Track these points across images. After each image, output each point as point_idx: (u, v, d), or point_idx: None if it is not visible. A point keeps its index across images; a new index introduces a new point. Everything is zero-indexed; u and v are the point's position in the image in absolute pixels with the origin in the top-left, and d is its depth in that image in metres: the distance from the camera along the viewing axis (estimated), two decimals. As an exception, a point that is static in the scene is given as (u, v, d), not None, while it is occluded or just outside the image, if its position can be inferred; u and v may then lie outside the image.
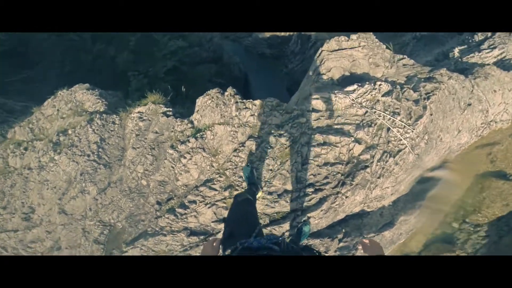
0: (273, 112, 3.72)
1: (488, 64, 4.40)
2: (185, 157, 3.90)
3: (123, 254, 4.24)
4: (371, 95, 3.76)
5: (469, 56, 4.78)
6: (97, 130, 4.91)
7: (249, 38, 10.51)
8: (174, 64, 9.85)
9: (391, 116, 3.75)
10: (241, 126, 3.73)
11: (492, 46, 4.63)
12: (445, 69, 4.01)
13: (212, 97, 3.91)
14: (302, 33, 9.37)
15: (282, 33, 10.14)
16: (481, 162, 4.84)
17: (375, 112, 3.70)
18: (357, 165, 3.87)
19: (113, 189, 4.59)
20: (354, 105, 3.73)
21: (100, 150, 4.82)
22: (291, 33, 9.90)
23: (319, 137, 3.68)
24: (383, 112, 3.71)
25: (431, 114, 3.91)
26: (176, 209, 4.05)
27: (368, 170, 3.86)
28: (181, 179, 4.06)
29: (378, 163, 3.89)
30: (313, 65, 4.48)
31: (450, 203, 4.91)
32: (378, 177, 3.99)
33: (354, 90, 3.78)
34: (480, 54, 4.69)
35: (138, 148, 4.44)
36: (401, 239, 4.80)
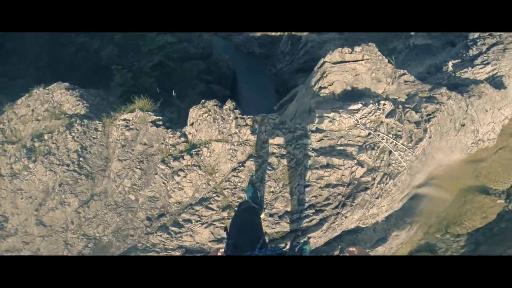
0: (276, 131, 3.35)
1: (482, 82, 4.27)
2: (178, 175, 3.47)
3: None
4: (375, 116, 3.50)
5: (462, 71, 4.63)
6: (77, 137, 4.30)
7: (240, 36, 9.94)
8: (160, 59, 9.12)
9: (394, 139, 3.52)
10: (241, 144, 3.34)
11: (486, 62, 4.50)
12: (445, 88, 3.83)
13: (209, 110, 3.47)
14: (293, 33, 8.96)
15: (273, 33, 9.66)
16: (466, 177, 4.87)
17: (378, 135, 3.44)
18: (358, 186, 3.66)
19: (97, 202, 4.07)
20: (358, 126, 3.45)
21: (81, 159, 4.24)
22: (282, 33, 9.45)
23: (322, 160, 3.38)
24: (386, 135, 3.47)
25: (430, 137, 3.74)
26: (170, 227, 3.64)
27: (368, 191, 3.66)
28: (174, 196, 3.64)
29: (378, 185, 3.70)
30: (314, 76, 4.13)
31: (435, 216, 4.94)
32: (377, 198, 3.81)
33: (359, 110, 3.50)
34: (473, 69, 4.56)
35: (124, 160, 3.92)
36: (391, 252, 4.72)
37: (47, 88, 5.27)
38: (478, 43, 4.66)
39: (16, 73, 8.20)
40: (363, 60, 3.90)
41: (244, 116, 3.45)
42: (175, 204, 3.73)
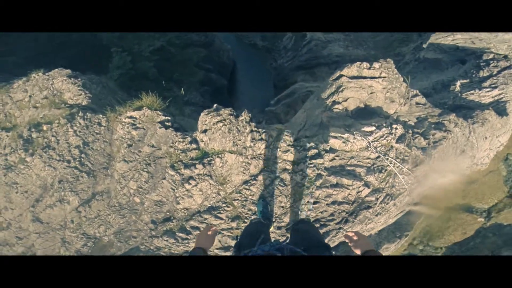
0: (290, 148, 3.18)
1: (487, 108, 4.22)
2: (189, 183, 3.27)
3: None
4: (387, 141, 3.41)
5: (468, 93, 4.55)
6: (79, 131, 3.95)
7: (243, 26, 9.41)
8: (162, 44, 8.52)
9: (401, 164, 3.46)
10: (254, 158, 3.17)
11: (494, 85, 4.42)
12: (454, 115, 3.76)
13: (225, 120, 3.23)
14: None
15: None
16: (454, 196, 4.97)
17: (387, 159, 3.37)
18: (361, 204, 3.64)
19: (99, 202, 3.82)
20: (370, 148, 3.34)
21: (82, 156, 3.92)
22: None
23: (332, 179, 3.29)
24: (395, 160, 3.40)
25: (433, 163, 3.72)
26: (176, 233, 3.49)
27: (370, 210, 3.66)
28: (182, 203, 3.45)
29: (380, 204, 3.69)
30: (328, 88, 3.93)
31: (419, 230, 5.10)
32: (377, 215, 3.81)
33: (372, 132, 3.36)
34: (480, 92, 4.49)
35: (131, 161, 3.65)
36: (379, 261, 4.84)
37: (47, 74, 4.76)
38: (491, 65, 4.55)
39: (13, 48, 7.42)
40: (380, 77, 3.72)
41: (260, 129, 3.23)
42: (183, 210, 3.55)
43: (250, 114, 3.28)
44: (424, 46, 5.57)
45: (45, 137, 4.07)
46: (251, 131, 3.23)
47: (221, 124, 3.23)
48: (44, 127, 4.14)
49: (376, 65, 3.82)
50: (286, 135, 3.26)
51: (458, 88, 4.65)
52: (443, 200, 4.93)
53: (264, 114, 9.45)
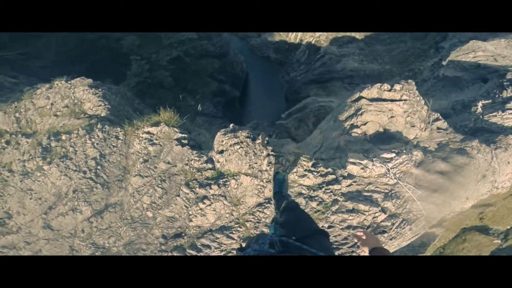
0: (307, 173, 3.03)
1: (510, 132, 3.97)
2: (204, 203, 3.15)
3: None
4: (406, 167, 3.22)
5: (491, 115, 4.31)
6: (97, 144, 3.90)
7: (258, 39, 9.37)
8: (178, 54, 8.53)
9: (420, 190, 3.27)
10: (270, 181, 3.04)
11: None
12: (477, 141, 3.54)
13: (242, 142, 3.11)
14: (312, 43, 8.41)
15: (291, 40, 9.10)
16: (471, 218, 4.71)
17: (406, 185, 3.19)
18: (376, 229, 3.45)
19: (112, 214, 3.74)
20: (388, 175, 3.17)
21: (98, 167, 3.86)
22: (300, 41, 8.88)
23: (349, 205, 3.13)
24: (414, 186, 3.21)
25: (453, 189, 3.51)
26: (187, 249, 3.37)
27: (385, 234, 3.47)
28: (195, 221, 3.34)
29: (396, 229, 3.48)
30: (347, 110, 3.78)
31: (433, 251, 4.86)
32: (391, 239, 3.61)
33: (391, 159, 3.19)
34: (503, 114, 4.24)
35: (146, 177, 3.57)
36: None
37: (69, 82, 4.77)
38: None
39: (40, 54, 7.58)
40: (401, 100, 3.55)
41: (276, 152, 3.10)
42: (195, 228, 3.43)
43: (267, 138, 3.16)
44: (444, 63, 5.36)
45: (63, 146, 4.04)
46: (268, 155, 3.10)
47: (238, 146, 3.12)
48: (63, 137, 4.12)
49: (397, 87, 3.66)
50: (303, 160, 3.12)
51: (479, 110, 4.43)
52: (459, 222, 4.70)
53: (274, 127, 9.33)
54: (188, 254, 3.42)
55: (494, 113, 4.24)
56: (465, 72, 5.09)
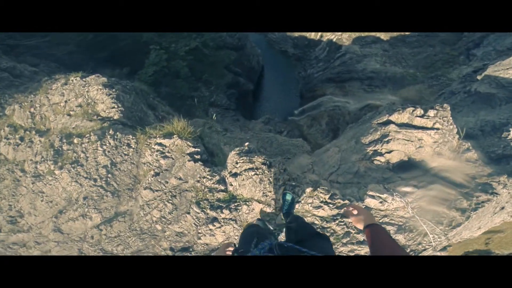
0: (323, 205, 2.72)
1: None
2: (214, 225, 2.92)
3: None
4: (424, 201, 2.85)
5: (522, 144, 3.80)
6: (108, 151, 3.67)
7: (276, 33, 8.66)
8: (197, 45, 8.03)
9: (434, 225, 2.93)
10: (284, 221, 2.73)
11: None
12: (505, 176, 3.10)
13: (257, 169, 2.79)
14: (333, 40, 7.69)
15: (311, 36, 8.37)
16: (477, 243, 4.37)
17: (422, 220, 2.86)
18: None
19: (121, 223, 3.59)
20: (406, 209, 2.83)
21: (109, 176, 3.66)
22: (321, 38, 8.15)
23: (360, 237, 2.86)
24: (429, 221, 2.88)
25: (468, 223, 3.15)
26: (193, 266, 3.18)
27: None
28: (203, 239, 3.15)
29: None
30: (371, 133, 3.37)
31: None
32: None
33: (412, 193, 2.83)
34: (536, 143, 3.73)
35: (156, 191, 3.35)
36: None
37: (84, 79, 4.48)
38: None
39: (61, 42, 7.29)
40: (432, 129, 3.12)
41: (292, 182, 2.78)
42: (203, 245, 3.24)
43: (284, 167, 2.82)
44: (479, 77, 4.75)
45: (75, 151, 3.84)
46: (284, 184, 2.79)
47: (252, 172, 2.81)
48: (75, 140, 3.91)
49: (431, 113, 3.20)
50: (321, 192, 2.80)
51: (511, 136, 3.91)
52: (465, 246, 4.37)
53: (286, 123, 8.91)
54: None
55: (528, 141, 3.73)
56: (501, 89, 4.48)
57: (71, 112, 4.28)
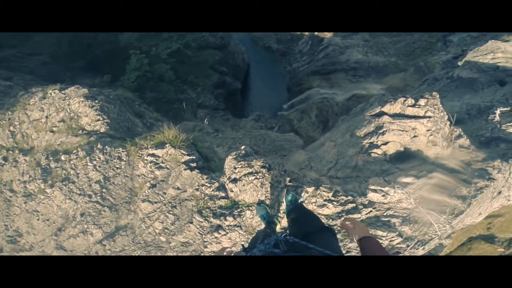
0: (327, 203, 2.67)
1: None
2: (219, 233, 2.82)
3: None
4: (424, 191, 2.88)
5: (509, 124, 3.91)
6: (99, 166, 3.46)
7: (259, 28, 8.50)
8: (178, 47, 7.72)
9: (438, 214, 2.97)
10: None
11: None
12: (499, 160, 3.18)
13: (257, 173, 2.70)
14: (315, 34, 7.61)
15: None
16: (479, 228, 4.49)
17: (425, 210, 2.89)
18: (390, 250, 3.21)
19: (124, 237, 3.43)
20: (408, 200, 2.84)
21: (103, 190, 3.46)
22: (303, 32, 8.05)
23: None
24: (433, 211, 2.91)
25: (470, 210, 3.22)
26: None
27: (399, 255, 3.22)
28: (210, 248, 3.06)
29: (410, 250, 3.24)
30: (366, 125, 3.34)
31: None
32: (407, 259, 3.38)
33: (412, 184, 2.84)
34: (523, 123, 3.83)
35: (155, 202, 3.20)
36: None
37: (63, 92, 4.19)
38: None
39: (35, 51, 6.80)
40: (425, 117, 3.12)
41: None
42: (210, 253, 3.14)
43: (285, 168, 2.74)
44: (460, 63, 4.82)
45: (63, 168, 3.60)
46: (286, 186, 2.71)
47: (252, 177, 2.72)
48: (62, 157, 3.66)
49: (421, 101, 3.20)
50: (323, 191, 2.74)
51: (497, 118, 4.01)
52: (468, 232, 4.49)
53: (277, 119, 8.83)
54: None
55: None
56: (481, 73, 4.57)
57: (54, 128, 3.99)
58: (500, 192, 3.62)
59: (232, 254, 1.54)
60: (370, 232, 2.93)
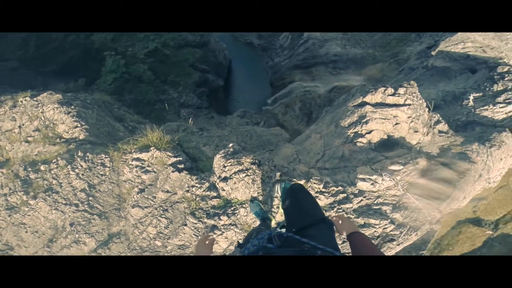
0: (319, 195, 2.73)
1: (504, 129, 3.86)
2: (214, 233, 2.80)
3: None
4: (412, 177, 3.02)
5: (482, 108, 4.15)
6: (82, 174, 3.31)
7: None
8: (156, 46, 7.45)
9: (427, 199, 3.12)
10: (280, 207, 2.69)
11: (508, 101, 4.04)
12: (476, 144, 3.38)
13: (247, 170, 2.69)
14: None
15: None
16: (465, 212, 4.77)
17: (413, 196, 3.03)
18: (385, 238, 3.35)
19: (118, 244, 3.33)
20: (396, 187, 2.96)
21: (90, 198, 3.33)
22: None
23: (360, 220, 2.95)
24: (420, 196, 3.05)
25: (455, 194, 3.41)
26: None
27: (394, 242, 3.36)
28: (204, 249, 3.00)
29: (404, 236, 3.40)
30: (349, 115, 3.42)
31: (431, 244, 4.95)
32: (398, 245, 3.53)
33: (398, 171, 2.96)
34: (494, 108, 4.10)
35: (146, 207, 3.12)
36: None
37: (35, 99, 3.93)
38: (506, 78, 4.12)
39: (4, 53, 6.30)
40: (405, 105, 3.24)
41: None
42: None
43: (274, 163, 2.75)
44: (433, 53, 5.03)
45: (44, 178, 3.41)
46: (277, 181, 2.73)
47: (243, 174, 2.70)
48: (42, 167, 3.46)
49: (401, 90, 3.31)
50: (314, 183, 2.79)
51: (471, 103, 4.24)
52: (455, 216, 4.75)
53: (261, 114, 8.83)
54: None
55: (485, 107, 4.07)
56: (454, 62, 4.81)
57: (29, 138, 3.75)
58: (480, 175, 3.85)
59: (214, 241, 1.56)
60: (363, 221, 3.04)
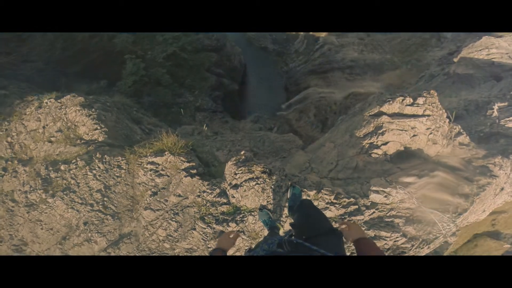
0: (329, 206, 2.67)
1: (527, 140, 3.61)
2: (220, 240, 2.80)
3: None
4: (427, 190, 2.87)
5: (507, 119, 3.91)
6: (99, 175, 3.43)
7: (254, 29, 8.46)
8: (174, 50, 7.66)
9: (441, 213, 2.96)
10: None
11: None
12: (500, 157, 3.17)
13: (258, 178, 2.68)
14: (310, 33, 7.59)
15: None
16: (483, 225, 4.49)
17: (428, 210, 2.88)
18: (395, 250, 3.20)
19: (128, 245, 3.41)
20: (411, 200, 2.83)
21: (105, 199, 3.44)
22: (298, 32, 8.04)
23: (371, 233, 2.85)
24: (435, 210, 2.90)
25: (473, 208, 3.21)
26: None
27: (404, 255, 3.21)
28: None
29: (415, 250, 3.23)
30: (365, 125, 3.33)
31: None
32: (412, 258, 3.37)
33: (414, 183, 2.83)
34: (520, 117, 3.83)
35: (157, 210, 3.18)
36: None
37: (59, 101, 4.14)
38: None
39: (29, 57, 6.71)
40: (424, 116, 3.11)
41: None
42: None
43: (286, 172, 2.73)
44: (455, 60, 4.81)
45: (64, 178, 3.57)
46: (287, 189, 2.70)
47: (253, 182, 2.70)
48: (62, 167, 3.62)
49: (420, 100, 3.19)
50: (325, 194, 2.73)
51: (495, 113, 4.01)
52: (473, 229, 4.50)
53: (275, 119, 8.80)
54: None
55: (511, 117, 3.83)
56: (477, 69, 4.57)
57: (52, 138, 3.95)
58: (502, 189, 3.62)
59: (238, 236, 1.60)
60: (374, 233, 2.94)
